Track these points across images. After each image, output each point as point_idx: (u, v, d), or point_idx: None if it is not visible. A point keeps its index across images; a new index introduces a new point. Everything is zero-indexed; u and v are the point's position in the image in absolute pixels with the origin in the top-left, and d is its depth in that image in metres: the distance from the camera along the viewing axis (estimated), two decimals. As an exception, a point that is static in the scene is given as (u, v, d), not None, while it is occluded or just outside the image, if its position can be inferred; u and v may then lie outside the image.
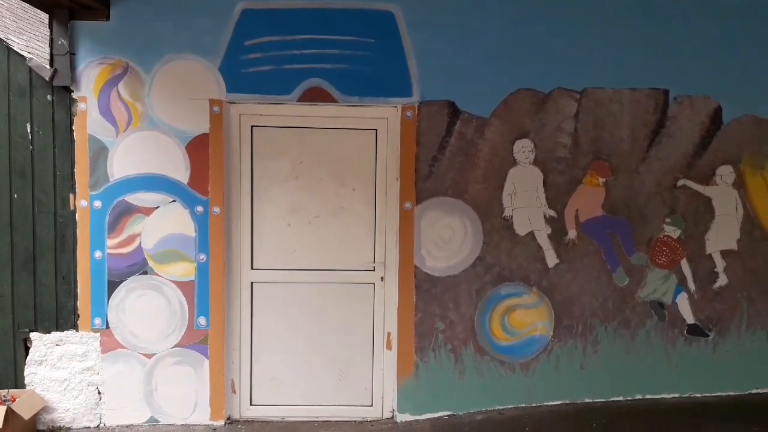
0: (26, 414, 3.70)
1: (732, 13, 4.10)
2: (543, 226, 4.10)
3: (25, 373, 3.95)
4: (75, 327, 3.96)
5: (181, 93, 3.89)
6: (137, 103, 3.89)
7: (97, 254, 3.93)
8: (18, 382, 3.95)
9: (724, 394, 4.29)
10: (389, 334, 4.15)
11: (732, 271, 4.23)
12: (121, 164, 3.91)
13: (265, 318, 4.13)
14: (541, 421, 4.00)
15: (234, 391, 4.12)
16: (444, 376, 4.11)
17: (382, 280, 4.13)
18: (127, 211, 3.93)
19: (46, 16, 3.83)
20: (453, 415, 4.12)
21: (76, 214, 3.92)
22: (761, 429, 3.83)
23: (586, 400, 4.21)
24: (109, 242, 3.93)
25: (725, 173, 4.17)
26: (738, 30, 4.11)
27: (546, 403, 4.19)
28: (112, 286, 3.95)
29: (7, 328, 3.94)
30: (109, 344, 3.97)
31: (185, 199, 3.94)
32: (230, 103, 3.95)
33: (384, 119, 4.05)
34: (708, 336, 4.26)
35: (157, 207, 3.94)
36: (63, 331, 3.96)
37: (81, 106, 3.87)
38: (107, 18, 3.84)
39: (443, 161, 4.02)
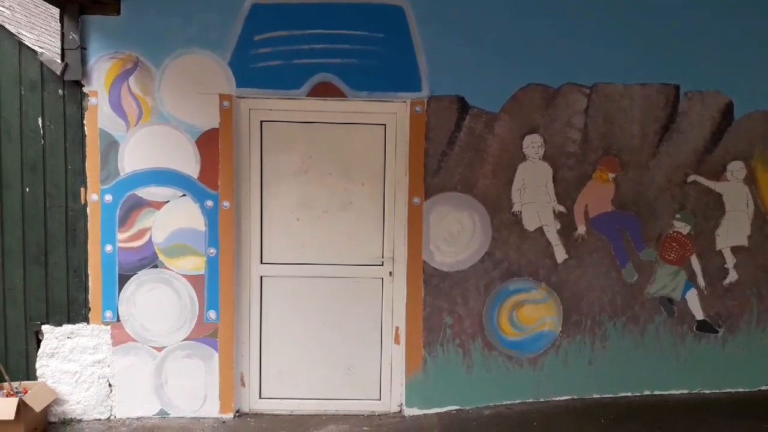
0: (38, 406, 3.73)
1: (743, 7, 4.07)
2: (552, 222, 4.09)
3: (37, 365, 3.99)
4: (86, 320, 3.99)
5: (191, 88, 3.90)
6: (147, 97, 3.91)
7: (108, 248, 3.95)
8: (30, 375, 3.98)
9: (734, 390, 4.29)
10: (397, 328, 4.16)
11: (742, 267, 4.22)
12: (132, 158, 3.93)
13: (274, 312, 4.14)
14: (549, 416, 4.00)
15: (243, 385, 4.15)
16: (452, 370, 4.12)
17: (390, 275, 4.14)
18: (137, 205, 3.95)
19: (57, 10, 3.85)
20: (461, 409, 4.13)
21: (87, 208, 3.94)
22: (771, 426, 3.83)
23: (594, 396, 4.21)
24: (120, 236, 3.95)
25: (736, 169, 4.15)
26: (749, 25, 4.09)
27: (554, 399, 4.19)
28: (123, 279, 3.97)
29: (19, 321, 3.97)
30: (120, 337, 4.00)
31: (195, 193, 3.96)
32: (240, 97, 3.96)
33: (393, 114, 4.05)
34: (717, 332, 4.25)
35: (168, 201, 3.96)
36: (74, 324, 3.99)
37: (92, 100, 3.89)
38: (118, 12, 3.85)
39: (452, 156, 4.01)
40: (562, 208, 4.10)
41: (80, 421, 4.00)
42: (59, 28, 3.85)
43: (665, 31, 4.03)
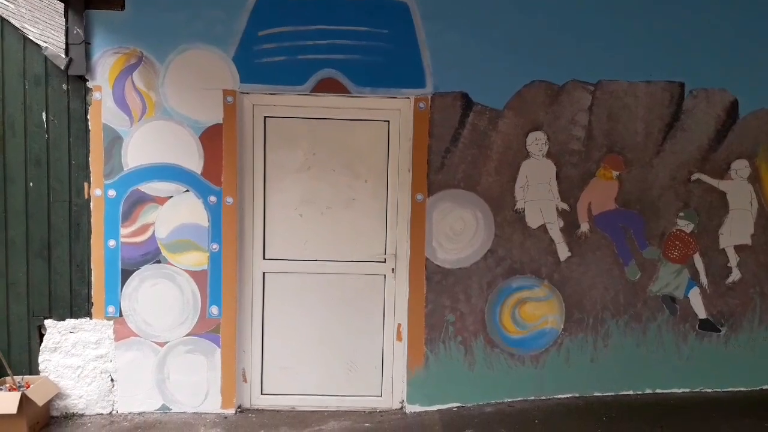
0: (40, 400, 3.74)
1: (749, 5, 4.05)
2: (555, 219, 4.09)
3: (39, 359, 3.99)
4: (89, 315, 3.99)
5: (195, 83, 3.90)
6: (151, 92, 3.91)
7: (111, 243, 3.96)
8: (32, 369, 3.99)
9: (736, 389, 4.28)
10: (399, 325, 4.16)
11: (745, 266, 4.21)
12: (135, 154, 3.93)
13: (276, 308, 4.15)
14: (551, 414, 4.00)
15: (245, 380, 4.15)
16: (454, 367, 4.12)
17: (393, 272, 4.14)
18: (140, 201, 3.95)
19: (62, 5, 3.85)
20: (462, 406, 4.13)
21: (91, 203, 3.94)
22: (773, 425, 3.82)
23: (596, 394, 4.21)
24: (123, 231, 3.96)
25: (740, 167, 4.14)
26: (755, 23, 4.07)
27: (556, 396, 4.19)
28: (126, 274, 3.98)
29: (22, 315, 3.98)
30: (123, 332, 4.00)
31: (198, 188, 3.96)
32: (244, 93, 3.96)
33: (397, 110, 4.04)
34: (720, 331, 4.25)
35: (171, 196, 3.96)
36: (77, 318, 3.99)
37: (96, 95, 3.89)
38: (122, 7, 3.85)
39: (456, 153, 4.01)
40: (565, 206, 4.09)
41: (82, 415, 4.01)
42: (63, 23, 3.85)
43: (670, 28, 4.02)
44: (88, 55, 3.86)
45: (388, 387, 4.21)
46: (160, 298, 4.00)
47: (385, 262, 4.13)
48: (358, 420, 4.03)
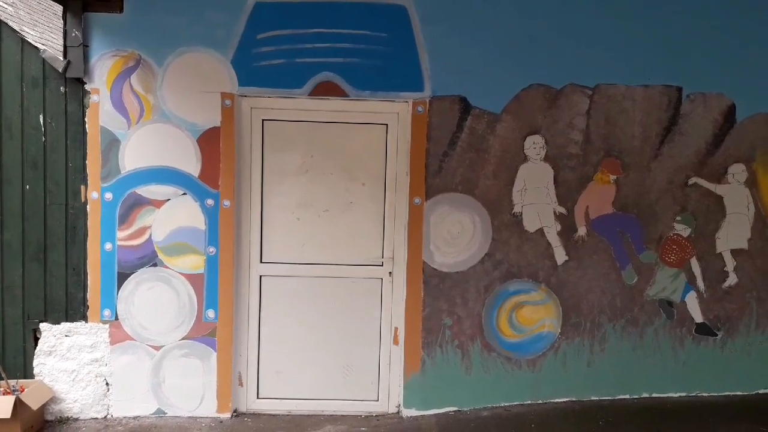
0: (34, 404, 3.71)
1: (747, 9, 4.08)
2: (553, 223, 4.09)
3: (34, 363, 3.97)
4: (84, 318, 3.97)
5: (193, 86, 3.90)
6: (149, 95, 3.90)
7: (108, 246, 3.94)
8: (27, 373, 3.96)
9: (732, 393, 4.28)
10: (396, 329, 4.15)
11: (742, 270, 4.22)
12: (133, 156, 3.92)
13: (273, 311, 4.13)
14: (547, 418, 3.99)
15: (241, 384, 4.13)
16: (450, 371, 4.11)
17: (390, 275, 4.13)
18: (137, 204, 3.94)
19: (60, 8, 3.85)
20: (459, 410, 4.12)
21: (87, 206, 3.93)
22: (769, 429, 3.83)
23: (593, 398, 4.21)
24: (120, 234, 3.94)
25: (737, 172, 4.16)
26: (753, 27, 4.10)
27: (552, 400, 4.19)
28: (122, 277, 3.96)
29: (17, 319, 3.96)
30: (118, 336, 3.98)
31: (196, 191, 3.95)
32: (242, 96, 3.96)
33: (395, 114, 4.05)
34: (716, 335, 4.25)
35: (168, 199, 3.95)
36: (72, 322, 3.97)
37: (93, 98, 3.89)
38: (121, 10, 3.85)
39: (454, 157, 4.01)
40: (562, 210, 4.10)
41: (77, 419, 3.98)
42: (62, 26, 3.86)
43: (668, 32, 4.04)
44: (86, 58, 3.85)
45: (385, 391, 4.19)
46: (156, 302, 3.98)
47: (382, 265, 4.13)
48: (355, 424, 4.01)
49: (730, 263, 4.21)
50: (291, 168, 4.08)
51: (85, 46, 3.84)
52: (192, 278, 3.99)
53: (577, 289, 4.15)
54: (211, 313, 4.01)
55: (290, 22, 3.89)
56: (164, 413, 4.03)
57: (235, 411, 4.11)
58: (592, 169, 4.09)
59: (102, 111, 3.89)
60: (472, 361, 4.12)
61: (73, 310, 3.97)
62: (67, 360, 3.97)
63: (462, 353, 4.11)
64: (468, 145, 4.01)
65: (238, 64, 3.90)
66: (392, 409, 4.19)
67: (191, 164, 3.94)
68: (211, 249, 3.98)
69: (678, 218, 4.16)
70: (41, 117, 3.88)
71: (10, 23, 3.86)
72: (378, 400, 4.20)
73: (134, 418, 4.02)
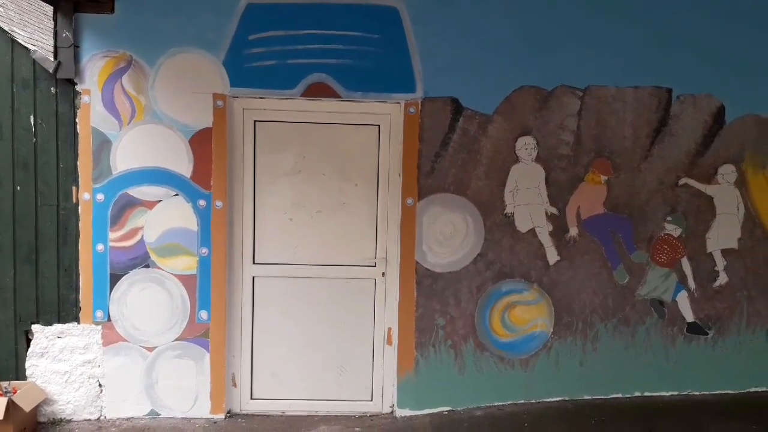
0: (27, 406, 3.70)
1: (736, 12, 4.10)
2: (544, 224, 4.11)
3: (27, 365, 3.96)
4: (77, 319, 3.96)
5: (185, 87, 3.89)
6: (141, 96, 3.89)
7: (100, 247, 3.93)
8: (19, 374, 3.95)
9: (723, 392, 4.31)
10: (390, 329, 4.16)
11: (732, 269, 4.25)
12: (124, 157, 3.91)
13: (266, 312, 4.14)
14: (540, 417, 4.01)
15: (234, 385, 4.13)
16: (444, 371, 4.12)
17: (383, 276, 4.14)
18: (129, 205, 3.93)
19: (51, 8, 3.83)
20: (452, 410, 4.14)
21: (79, 207, 3.92)
22: (759, 427, 3.85)
23: (585, 397, 4.23)
24: (112, 235, 3.93)
25: (727, 172, 4.18)
26: (742, 29, 4.12)
27: (545, 400, 4.20)
28: (114, 279, 3.95)
29: (9, 320, 3.94)
30: (111, 337, 3.97)
31: (188, 192, 3.95)
32: (234, 97, 3.95)
33: (387, 115, 4.05)
34: (707, 334, 4.28)
35: (160, 200, 3.94)
36: (65, 323, 3.96)
37: (84, 98, 3.87)
38: (112, 11, 3.83)
39: (446, 157, 4.02)
40: (554, 210, 4.11)
41: (70, 421, 3.98)
42: (52, 26, 3.84)
43: (658, 34, 4.06)
44: (77, 59, 3.84)
45: (378, 391, 4.20)
46: (148, 303, 3.97)
47: (375, 266, 4.14)
48: (349, 424, 4.02)
49: (720, 263, 4.24)
50: (283, 169, 4.07)
51: (76, 46, 3.83)
52: (184, 279, 3.98)
53: (569, 289, 4.17)
54: (204, 314, 4.00)
55: (282, 23, 3.89)
56: (158, 414, 4.03)
57: (228, 412, 4.11)
58: (583, 170, 4.11)
59: (93, 112, 3.88)
60: (465, 360, 4.13)
61: (65, 311, 3.96)
62: (59, 361, 3.96)
63: (455, 353, 4.13)
64: (460, 145, 4.02)
65: (229, 65, 3.90)
66: (386, 409, 4.20)
67: (183, 165, 3.93)
68: (204, 250, 3.98)
69: (669, 218, 4.18)
70: (32, 118, 3.87)
71: (0, 24, 3.84)
72: (372, 400, 4.21)
73: (127, 419, 4.01)
